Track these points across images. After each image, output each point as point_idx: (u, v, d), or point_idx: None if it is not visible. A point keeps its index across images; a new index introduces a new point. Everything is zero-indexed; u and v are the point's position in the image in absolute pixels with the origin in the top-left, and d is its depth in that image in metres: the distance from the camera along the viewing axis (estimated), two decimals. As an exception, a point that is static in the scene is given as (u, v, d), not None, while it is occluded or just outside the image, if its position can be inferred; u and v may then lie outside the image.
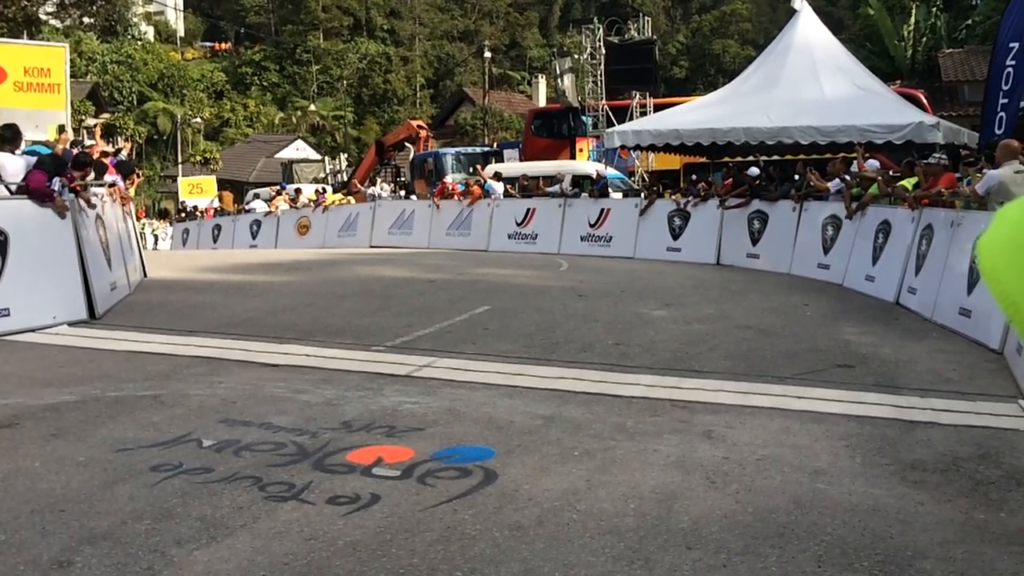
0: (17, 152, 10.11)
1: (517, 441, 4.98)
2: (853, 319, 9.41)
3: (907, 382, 6.58)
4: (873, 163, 13.34)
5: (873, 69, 21.03)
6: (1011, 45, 13.85)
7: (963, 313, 8.31)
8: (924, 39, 33.93)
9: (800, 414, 5.62)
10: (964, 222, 8.99)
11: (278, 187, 29.03)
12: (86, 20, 46.48)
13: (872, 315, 9.69)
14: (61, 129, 11.89)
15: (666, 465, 4.59)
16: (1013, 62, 13.72)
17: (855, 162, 13.72)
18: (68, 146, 11.22)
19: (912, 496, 4.19)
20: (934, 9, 34.13)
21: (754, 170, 15.95)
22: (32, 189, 8.77)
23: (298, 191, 27.03)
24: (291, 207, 24.20)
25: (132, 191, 14.61)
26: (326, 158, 45.58)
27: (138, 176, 16.92)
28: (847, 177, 13.37)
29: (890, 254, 10.98)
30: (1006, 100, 13.90)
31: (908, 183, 11.56)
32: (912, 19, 34.05)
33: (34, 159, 9.55)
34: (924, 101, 20.86)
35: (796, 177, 15.27)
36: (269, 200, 25.01)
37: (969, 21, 34.33)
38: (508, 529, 3.74)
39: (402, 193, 24.84)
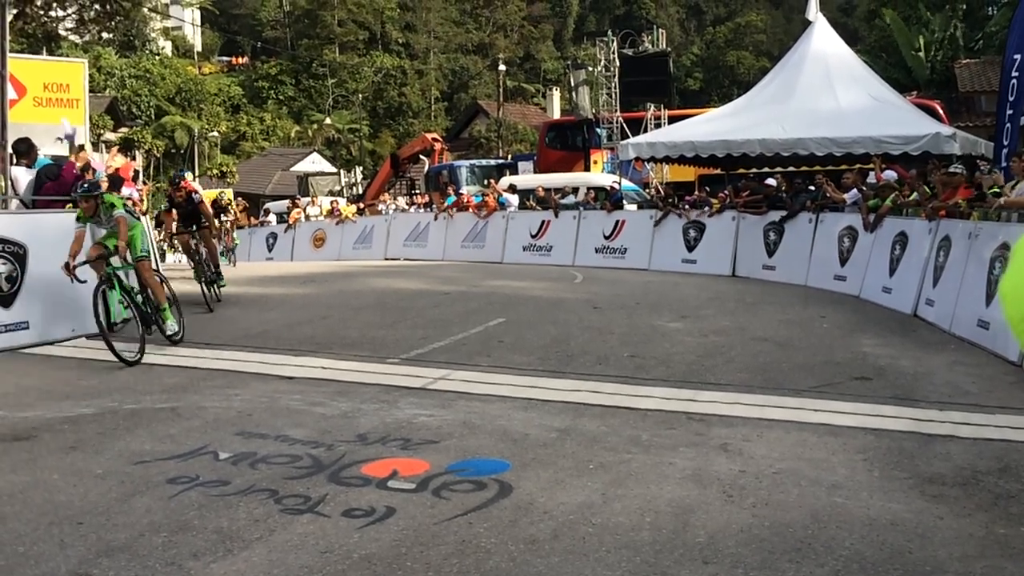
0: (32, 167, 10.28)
1: (532, 454, 4.98)
2: (870, 331, 9.35)
3: (925, 395, 6.53)
4: (891, 174, 13.27)
5: (889, 80, 20.95)
6: (1015, 57, 13.78)
7: (981, 325, 8.24)
8: (942, 50, 33.79)
9: (817, 427, 5.59)
10: (982, 233, 8.93)
11: (292, 199, 29.13)
12: (105, 36, 46.98)
13: (889, 327, 9.63)
14: (80, 148, 12.02)
15: (682, 478, 4.57)
16: (1017, 74, 13.64)
17: (871, 173, 13.65)
18: (83, 167, 11.38)
19: (931, 510, 4.15)
20: (952, 20, 33.97)
21: (772, 181, 15.91)
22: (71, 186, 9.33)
23: (314, 197, 27.36)
24: (306, 217, 24.32)
25: (145, 202, 14.97)
26: (341, 171, 45.76)
27: (146, 184, 17.43)
28: (864, 188, 13.31)
29: (907, 265, 10.91)
30: (1011, 111, 13.82)
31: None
32: (929, 29, 33.93)
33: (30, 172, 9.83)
34: (940, 112, 20.76)
35: (812, 188, 15.21)
36: (287, 214, 25.11)
37: (986, 31, 34.18)
38: (523, 543, 3.73)
39: (420, 209, 24.81)
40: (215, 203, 18.84)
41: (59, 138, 12.38)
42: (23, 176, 10.12)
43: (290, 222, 24.12)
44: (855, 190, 13.49)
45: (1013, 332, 1.38)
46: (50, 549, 3.64)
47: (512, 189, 21.47)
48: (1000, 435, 5.45)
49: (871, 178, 13.57)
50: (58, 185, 9.70)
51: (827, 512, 4.10)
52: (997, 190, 9.88)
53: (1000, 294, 1.40)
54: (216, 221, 16.39)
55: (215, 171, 53.55)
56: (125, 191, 12.14)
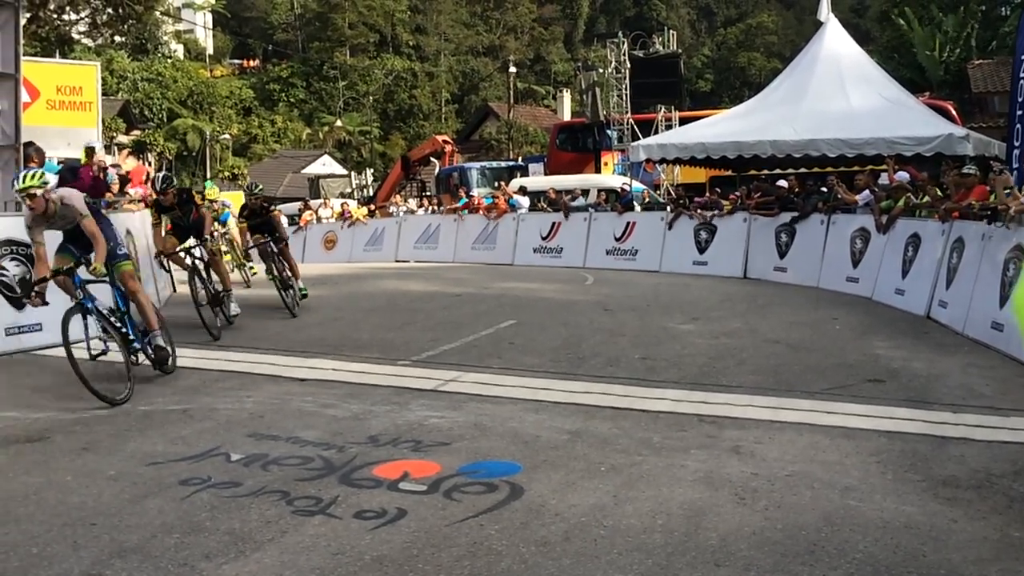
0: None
1: (543, 456, 4.97)
2: (883, 333, 9.30)
3: (939, 397, 6.49)
4: (903, 175, 13.22)
5: (901, 80, 20.86)
6: (1022, 58, 13.70)
7: (995, 327, 8.19)
8: (958, 50, 33.64)
9: (830, 429, 5.56)
10: (995, 235, 8.88)
11: (303, 201, 29.25)
12: (117, 39, 47.29)
13: (902, 329, 9.58)
14: (92, 151, 12.09)
15: (694, 481, 4.56)
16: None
17: (884, 174, 13.59)
18: (97, 169, 11.46)
19: (945, 513, 4.13)
20: (971, 22, 33.80)
21: (783, 182, 15.87)
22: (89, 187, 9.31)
23: (326, 200, 27.44)
24: (317, 219, 24.41)
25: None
26: (352, 173, 45.87)
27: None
28: (876, 189, 13.25)
29: (920, 267, 10.85)
30: (1021, 112, 13.74)
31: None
32: (942, 30, 33.80)
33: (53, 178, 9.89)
34: (953, 113, 20.66)
35: (824, 190, 15.16)
36: (298, 216, 25.20)
37: (999, 31, 34.02)
38: (535, 545, 3.72)
39: (431, 209, 24.84)
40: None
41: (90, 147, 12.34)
42: None
43: (301, 224, 24.19)
44: (867, 191, 13.43)
45: None
46: (63, 550, 3.66)
47: (523, 191, 21.47)
48: (1014, 438, 5.42)
49: (883, 179, 13.51)
50: (76, 186, 9.75)
51: (840, 515, 4.08)
52: (1008, 191, 9.81)
53: (1013, 307, 1.38)
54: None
55: (227, 173, 53.78)
56: (135, 191, 12.24)
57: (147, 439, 5.29)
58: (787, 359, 7.87)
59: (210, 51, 75.44)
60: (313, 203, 27.24)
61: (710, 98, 65.00)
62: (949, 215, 10.41)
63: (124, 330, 6.70)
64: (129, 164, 13.14)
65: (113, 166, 12.47)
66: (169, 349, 7.11)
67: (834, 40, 17.74)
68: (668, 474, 4.67)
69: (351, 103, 68.01)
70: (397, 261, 20.77)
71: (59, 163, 11.55)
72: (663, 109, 25.89)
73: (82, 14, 25.43)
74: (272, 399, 6.33)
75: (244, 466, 4.77)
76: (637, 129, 25.13)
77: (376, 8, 70.27)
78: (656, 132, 23.13)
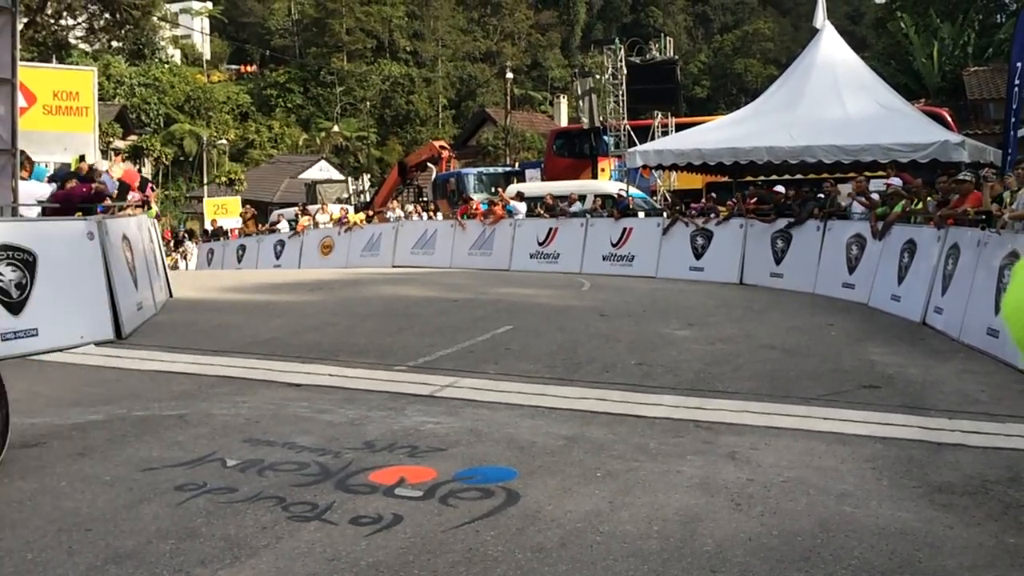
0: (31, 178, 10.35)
1: (539, 462, 4.97)
2: (879, 339, 9.32)
3: (934, 403, 6.50)
4: (896, 180, 13.27)
5: (897, 87, 20.94)
6: (1017, 64, 13.81)
7: (991, 333, 8.21)
8: (953, 57, 33.76)
9: (825, 435, 5.56)
10: (991, 241, 8.91)
11: (302, 206, 29.27)
12: (115, 44, 47.34)
13: (898, 335, 9.60)
14: (82, 158, 12.08)
15: (690, 487, 4.56)
16: (1019, 82, 13.68)
17: (874, 181, 13.66)
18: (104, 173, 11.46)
19: (940, 519, 4.13)
20: (968, 30, 33.94)
21: (780, 188, 15.92)
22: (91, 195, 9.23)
23: (324, 205, 27.44)
24: (315, 224, 24.43)
25: (153, 210, 14.46)
26: (349, 178, 45.89)
27: (153, 190, 16.41)
28: (875, 196, 13.30)
29: (916, 273, 10.88)
30: (1013, 119, 13.86)
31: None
32: (938, 37, 33.93)
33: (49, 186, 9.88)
34: (949, 119, 20.73)
35: (820, 196, 15.21)
36: (295, 221, 25.21)
37: (995, 38, 34.16)
38: (530, 551, 3.72)
39: (426, 216, 24.85)
40: None
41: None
42: (22, 187, 10.17)
43: (298, 230, 24.20)
44: (876, 194, 13.43)
45: (1022, 352, 1.37)
46: (58, 556, 3.65)
47: (520, 197, 21.50)
48: (1010, 444, 5.43)
49: (875, 184, 13.59)
50: (67, 195, 9.76)
51: (836, 521, 4.08)
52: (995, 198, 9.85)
53: (1004, 315, 1.39)
54: None
55: (224, 178, 53.79)
56: (132, 195, 12.22)
57: (143, 444, 5.28)
58: (783, 365, 7.88)
59: (207, 56, 75.55)
60: (311, 208, 27.26)
61: (706, 104, 65.21)
62: (944, 221, 10.44)
63: None
64: (117, 170, 13.04)
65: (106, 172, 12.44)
66: None
67: (830, 47, 17.81)
68: (664, 480, 4.67)
69: (348, 108, 68.14)
70: (394, 266, 20.78)
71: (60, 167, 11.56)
72: (659, 115, 25.96)
73: (79, 19, 25.46)
74: (268, 404, 6.32)
75: (240, 472, 4.76)
76: (634, 135, 25.20)
77: (374, 14, 70.47)
78: (652, 138, 23.19)
